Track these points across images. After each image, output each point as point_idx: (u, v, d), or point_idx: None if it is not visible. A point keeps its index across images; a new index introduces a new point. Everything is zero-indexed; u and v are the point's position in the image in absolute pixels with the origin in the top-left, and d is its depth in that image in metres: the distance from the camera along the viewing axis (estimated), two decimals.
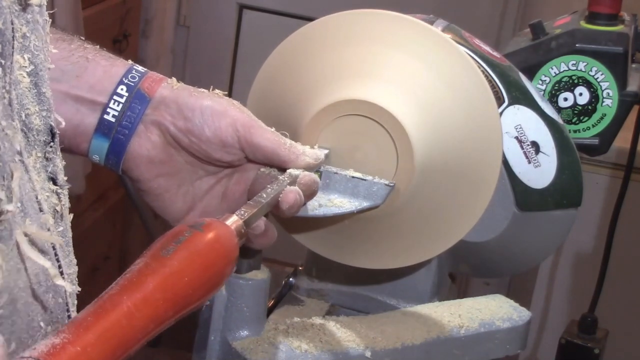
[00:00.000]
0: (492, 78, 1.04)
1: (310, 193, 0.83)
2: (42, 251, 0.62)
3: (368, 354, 0.93)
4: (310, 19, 0.96)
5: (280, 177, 0.82)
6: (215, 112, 0.83)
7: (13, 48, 0.60)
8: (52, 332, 0.61)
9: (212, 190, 0.88)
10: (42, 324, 0.62)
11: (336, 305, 1.09)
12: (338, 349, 0.92)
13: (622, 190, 1.47)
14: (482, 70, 1.00)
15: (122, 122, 0.83)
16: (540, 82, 1.21)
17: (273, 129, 0.84)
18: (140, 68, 0.85)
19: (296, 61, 0.94)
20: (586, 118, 1.21)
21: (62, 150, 0.84)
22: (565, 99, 1.21)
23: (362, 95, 0.89)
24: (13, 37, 0.60)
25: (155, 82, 0.84)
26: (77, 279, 0.69)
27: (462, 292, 2.45)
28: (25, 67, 0.64)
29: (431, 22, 1.02)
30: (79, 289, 0.69)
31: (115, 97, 0.83)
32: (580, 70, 1.20)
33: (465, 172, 0.91)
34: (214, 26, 3.07)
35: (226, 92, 0.86)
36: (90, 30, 2.29)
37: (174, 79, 0.86)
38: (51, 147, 0.67)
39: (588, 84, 1.20)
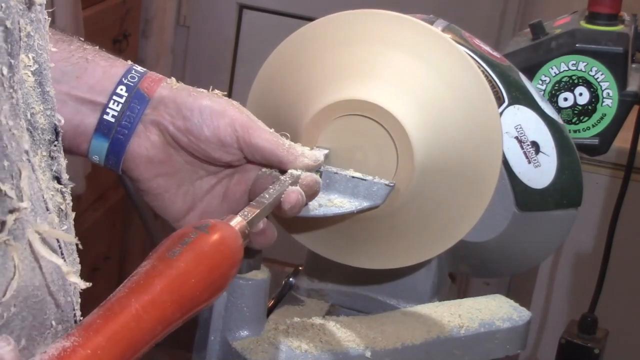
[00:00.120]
0: (492, 78, 1.04)
1: (312, 193, 0.83)
2: (53, 249, 0.62)
3: (368, 354, 0.93)
4: (310, 19, 0.96)
5: (282, 178, 0.82)
6: (214, 111, 0.83)
7: (20, 47, 0.61)
8: (61, 332, 0.62)
9: (212, 190, 0.88)
10: (53, 322, 0.62)
11: (336, 305, 1.09)
12: (338, 349, 0.92)
13: (622, 190, 1.47)
14: (482, 70, 1.00)
15: (121, 122, 0.83)
16: (540, 82, 1.21)
17: (272, 130, 0.84)
18: (139, 68, 0.86)
19: (296, 61, 0.94)
20: (586, 118, 1.21)
21: (62, 151, 0.84)
22: (565, 99, 1.21)
23: (362, 95, 0.89)
24: (19, 36, 0.60)
25: (154, 82, 0.84)
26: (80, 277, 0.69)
27: (462, 292, 2.45)
28: (30, 66, 0.64)
29: (431, 22, 1.02)
30: (87, 284, 0.69)
31: (114, 97, 0.83)
32: (580, 70, 1.20)
33: (465, 172, 0.91)
34: (214, 26, 3.07)
35: (225, 92, 0.86)
36: (90, 30, 2.30)
37: (173, 79, 0.86)
38: (55, 145, 0.67)
39: (588, 84, 1.20)
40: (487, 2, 2.89)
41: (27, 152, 0.60)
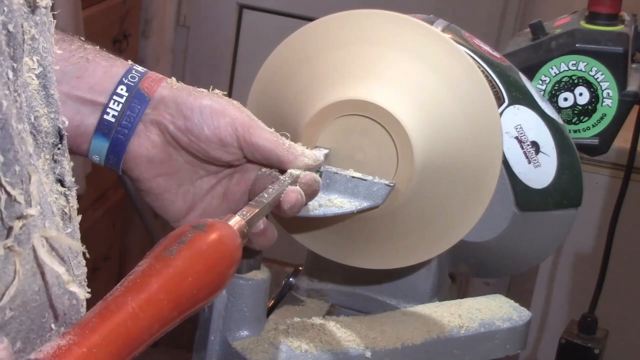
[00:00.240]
0: (492, 78, 1.04)
1: (311, 193, 0.83)
2: (60, 255, 0.62)
3: (368, 354, 0.93)
4: (310, 19, 0.96)
5: (282, 177, 0.82)
6: (214, 111, 0.83)
7: (23, 51, 0.61)
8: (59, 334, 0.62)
9: (212, 190, 0.88)
10: (53, 325, 0.62)
11: (336, 305, 1.09)
12: (338, 349, 0.92)
13: (622, 190, 1.47)
14: (482, 70, 1.00)
15: (121, 122, 0.83)
16: (540, 82, 1.21)
17: (272, 130, 0.84)
18: (140, 68, 0.86)
19: (296, 61, 0.94)
20: (586, 118, 1.21)
21: None
22: (565, 99, 1.21)
23: (362, 95, 0.89)
24: (23, 40, 0.60)
25: (154, 82, 0.84)
26: (85, 280, 0.69)
27: (462, 292, 2.45)
28: (34, 69, 0.64)
29: (431, 22, 1.02)
30: (89, 290, 0.69)
31: (115, 97, 0.83)
32: (580, 70, 1.20)
33: (465, 172, 0.91)
34: (214, 26, 3.07)
35: (226, 92, 0.86)
36: (90, 30, 2.29)
37: (173, 78, 0.86)
38: (59, 149, 0.67)
39: (588, 84, 1.20)
40: (487, 2, 2.89)
41: (30, 156, 0.60)
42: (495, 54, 1.08)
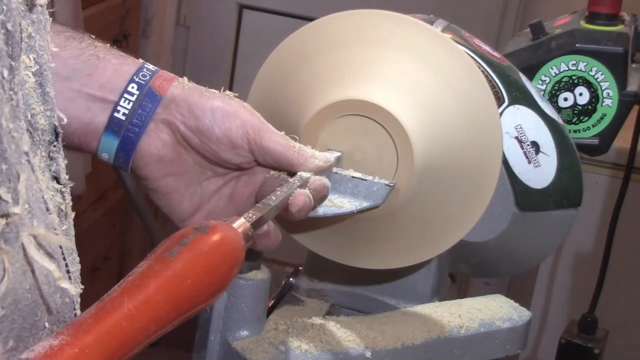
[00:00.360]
0: (492, 78, 1.04)
1: (320, 197, 0.83)
2: (49, 252, 0.62)
3: (368, 354, 0.93)
4: (310, 19, 0.96)
5: (290, 180, 0.82)
6: (226, 113, 0.83)
7: (21, 49, 0.61)
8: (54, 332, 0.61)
9: (219, 191, 0.88)
10: (46, 324, 0.62)
11: (336, 305, 1.09)
12: (338, 349, 0.92)
13: (622, 190, 1.47)
14: (482, 70, 1.00)
15: (132, 120, 0.83)
16: (540, 82, 1.21)
17: (283, 133, 0.84)
18: (151, 67, 0.85)
19: (296, 61, 0.94)
20: (586, 118, 1.21)
21: (72, 148, 0.84)
22: (565, 99, 1.21)
23: (362, 95, 0.89)
24: (21, 38, 0.60)
25: (166, 80, 0.84)
26: (80, 277, 0.69)
27: (462, 292, 2.45)
28: (31, 67, 0.64)
29: (431, 22, 1.02)
30: (82, 287, 0.69)
31: (125, 95, 0.83)
32: (580, 70, 1.20)
33: (465, 172, 0.91)
34: (214, 26, 3.07)
35: (237, 94, 0.86)
36: (90, 30, 2.28)
37: (185, 78, 0.86)
38: (55, 146, 0.67)
39: (588, 84, 1.20)
40: (487, 2, 2.89)
41: (27, 153, 0.60)
42: (495, 54, 1.08)
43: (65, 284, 0.60)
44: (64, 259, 0.65)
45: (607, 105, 1.21)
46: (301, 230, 0.96)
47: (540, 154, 1.06)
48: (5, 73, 0.56)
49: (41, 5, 0.64)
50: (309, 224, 0.95)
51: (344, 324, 0.96)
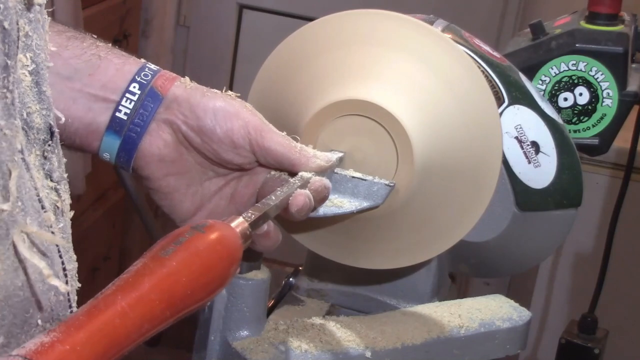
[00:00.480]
0: (492, 78, 1.04)
1: (320, 198, 0.83)
2: (42, 250, 0.62)
3: (368, 354, 0.93)
4: (310, 19, 0.96)
5: (291, 180, 0.82)
6: (227, 113, 0.83)
7: (17, 48, 0.61)
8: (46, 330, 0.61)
9: (220, 191, 0.87)
10: (39, 321, 0.62)
11: (336, 305, 1.09)
12: (338, 349, 0.92)
13: (622, 190, 1.47)
14: (482, 70, 1.00)
15: (134, 120, 0.83)
16: (540, 82, 1.21)
17: (284, 133, 0.84)
18: (152, 66, 0.85)
19: (296, 61, 0.94)
20: (586, 118, 1.21)
21: (74, 148, 0.84)
22: (565, 99, 1.21)
23: (362, 95, 0.89)
24: (18, 37, 0.60)
25: (168, 80, 0.84)
26: (77, 275, 0.69)
27: (462, 292, 2.45)
28: (27, 65, 0.64)
29: (431, 22, 1.02)
30: (79, 285, 0.69)
31: (127, 95, 0.83)
32: (580, 70, 1.20)
33: (465, 172, 0.91)
34: (214, 26, 3.07)
35: (239, 94, 0.86)
36: (90, 30, 2.28)
37: (187, 78, 0.86)
38: (49, 145, 0.67)
39: (588, 84, 1.20)
40: (487, 2, 2.89)
41: (21, 151, 0.60)
42: (495, 54, 1.08)
43: (55, 282, 0.60)
44: (60, 256, 0.65)
45: (607, 105, 1.21)
46: (301, 230, 0.96)
47: (540, 154, 1.06)
48: None
49: (39, 5, 0.64)
50: (309, 224, 0.95)
51: (344, 324, 0.96)
